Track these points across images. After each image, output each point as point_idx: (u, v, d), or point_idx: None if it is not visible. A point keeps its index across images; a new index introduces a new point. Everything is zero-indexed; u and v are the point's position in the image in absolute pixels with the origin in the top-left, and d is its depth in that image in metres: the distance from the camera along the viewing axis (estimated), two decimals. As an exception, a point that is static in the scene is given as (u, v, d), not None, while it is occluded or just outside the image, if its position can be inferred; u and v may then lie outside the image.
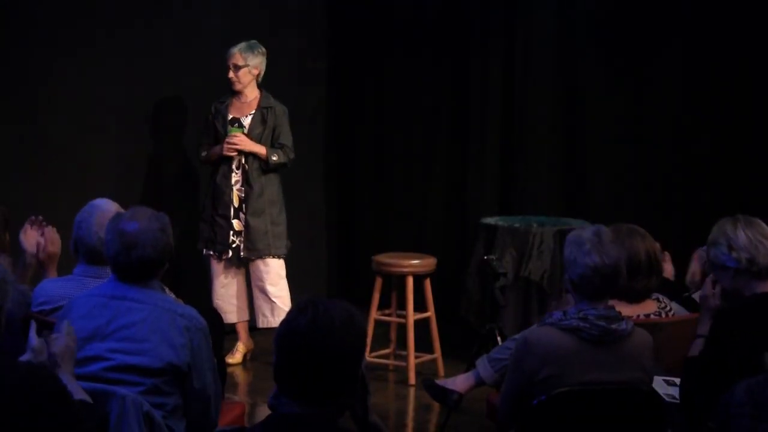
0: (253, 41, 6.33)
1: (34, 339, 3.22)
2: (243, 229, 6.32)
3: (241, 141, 6.25)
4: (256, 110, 6.34)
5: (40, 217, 4.39)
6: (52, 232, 4.35)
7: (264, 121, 6.33)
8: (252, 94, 6.35)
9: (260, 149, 6.28)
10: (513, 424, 3.64)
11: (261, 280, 6.40)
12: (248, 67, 6.28)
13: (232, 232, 6.33)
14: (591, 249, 3.53)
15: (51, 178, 6.53)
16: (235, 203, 6.33)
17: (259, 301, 6.43)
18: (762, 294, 3.63)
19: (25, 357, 3.18)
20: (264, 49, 6.34)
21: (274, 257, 6.39)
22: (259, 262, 6.37)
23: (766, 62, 6.53)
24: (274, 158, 6.27)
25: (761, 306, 3.59)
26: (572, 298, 3.63)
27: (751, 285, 3.66)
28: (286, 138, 6.36)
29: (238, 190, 6.33)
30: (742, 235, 3.67)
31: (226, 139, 6.26)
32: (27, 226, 4.36)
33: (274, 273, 6.40)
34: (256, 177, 6.31)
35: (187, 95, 6.95)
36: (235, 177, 6.33)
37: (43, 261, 4.33)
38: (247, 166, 6.31)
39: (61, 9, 6.47)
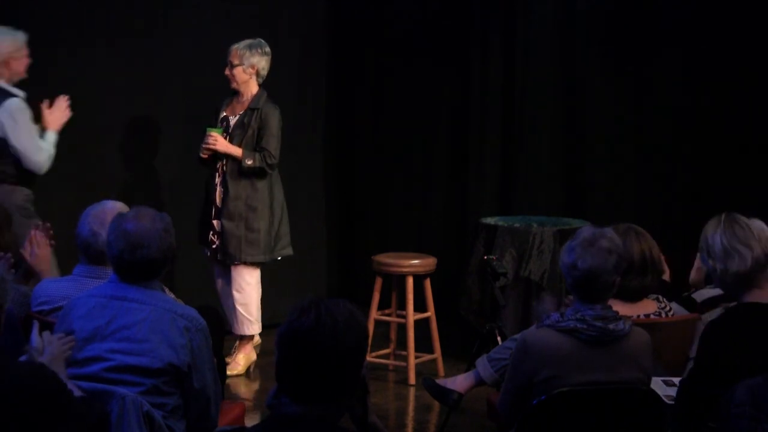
0: (258, 40, 6.21)
1: (35, 339, 3.23)
2: (220, 231, 6.26)
3: (215, 142, 6.10)
4: (244, 111, 6.22)
5: (48, 224, 4.40)
6: (38, 235, 4.36)
7: (243, 124, 6.17)
8: (249, 93, 6.23)
9: (235, 151, 6.11)
10: (513, 424, 3.64)
11: (231, 285, 6.34)
12: (243, 66, 6.15)
13: (212, 232, 6.28)
14: (574, 248, 3.54)
15: (51, 178, 6.53)
16: (218, 203, 6.25)
17: (232, 306, 6.38)
18: (747, 304, 3.57)
19: (25, 357, 3.18)
20: (267, 50, 6.21)
21: (244, 264, 6.27)
22: (233, 267, 6.29)
23: (767, 62, 6.53)
24: (248, 162, 6.09)
25: (745, 316, 3.53)
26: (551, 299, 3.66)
27: (738, 292, 3.62)
28: (268, 142, 6.15)
29: (219, 191, 6.25)
30: (717, 242, 3.60)
31: (204, 140, 6.15)
32: (32, 233, 4.36)
33: (240, 279, 6.29)
34: (232, 180, 6.17)
35: (186, 96, 6.95)
36: (218, 178, 6.24)
37: (33, 264, 4.33)
38: (225, 168, 6.21)
39: (62, 10, 6.47)
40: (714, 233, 3.62)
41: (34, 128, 5.68)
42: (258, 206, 6.22)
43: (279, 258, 6.44)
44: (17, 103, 5.60)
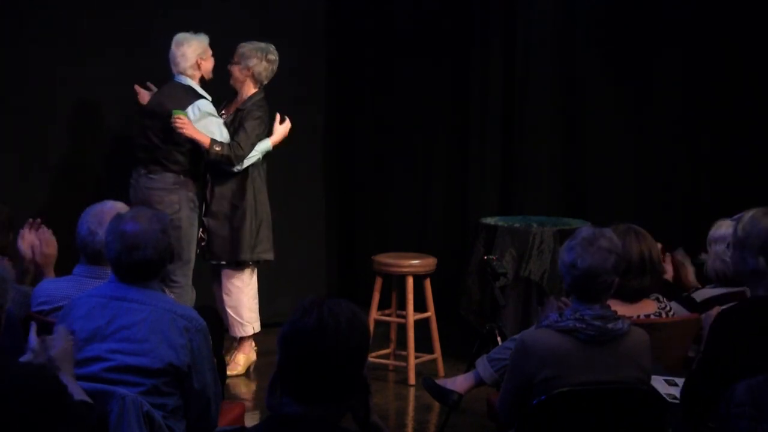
0: (267, 45, 6.19)
1: (34, 340, 3.23)
2: (207, 229, 6.23)
3: (183, 125, 5.92)
4: (234, 111, 6.20)
5: (38, 220, 4.40)
6: (47, 234, 4.36)
7: (226, 125, 6.13)
8: (245, 94, 6.21)
9: (202, 138, 5.97)
10: (512, 425, 3.64)
11: (221, 288, 6.32)
12: (239, 66, 6.15)
13: (201, 230, 6.25)
14: (574, 247, 3.54)
15: (53, 178, 6.54)
16: (208, 200, 6.23)
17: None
18: (759, 298, 3.54)
19: (24, 358, 3.18)
20: (272, 57, 6.19)
21: (231, 265, 6.24)
22: (222, 270, 6.27)
23: (766, 62, 6.53)
24: (216, 149, 5.96)
25: (755, 311, 3.51)
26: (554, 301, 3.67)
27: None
28: (239, 135, 6.04)
29: (209, 188, 6.22)
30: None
31: (171, 120, 5.95)
32: (25, 230, 4.36)
33: (227, 282, 6.27)
34: (218, 179, 6.14)
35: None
36: (208, 175, 6.23)
37: (40, 263, 4.33)
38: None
39: (62, 10, 6.47)
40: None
41: (219, 127, 6.07)
42: (241, 206, 6.16)
43: (258, 261, 6.31)
44: (206, 103, 6.04)
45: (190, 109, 5.97)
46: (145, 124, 6.09)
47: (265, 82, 6.25)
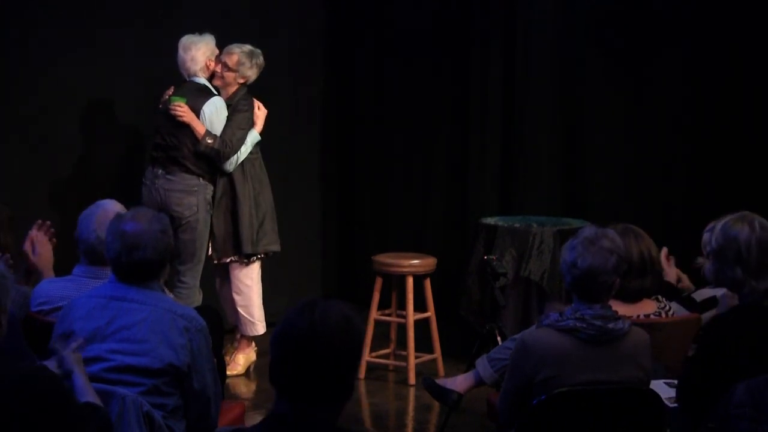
0: (256, 51, 6.20)
1: (68, 355, 3.26)
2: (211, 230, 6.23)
3: (184, 113, 5.99)
4: None
5: (48, 223, 4.40)
6: (39, 235, 4.36)
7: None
8: (229, 91, 6.20)
9: (199, 126, 6.01)
10: (513, 425, 3.64)
11: (231, 287, 6.32)
12: (236, 74, 6.15)
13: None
14: (575, 246, 3.54)
15: (53, 179, 6.54)
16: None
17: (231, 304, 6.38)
18: (752, 304, 3.54)
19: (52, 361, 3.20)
20: (261, 60, 6.20)
21: (238, 261, 6.25)
22: (231, 268, 6.27)
23: (766, 62, 6.53)
24: (209, 141, 5.98)
25: (749, 316, 3.52)
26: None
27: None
28: (227, 130, 6.04)
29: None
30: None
31: (170, 107, 6.02)
32: (33, 231, 4.36)
33: (237, 281, 6.28)
34: (215, 178, 6.16)
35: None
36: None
37: (36, 263, 4.33)
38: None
39: (62, 9, 6.47)
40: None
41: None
42: (239, 199, 6.16)
43: (263, 254, 6.31)
44: (220, 100, 6.10)
45: (206, 107, 6.02)
46: (162, 123, 6.11)
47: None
